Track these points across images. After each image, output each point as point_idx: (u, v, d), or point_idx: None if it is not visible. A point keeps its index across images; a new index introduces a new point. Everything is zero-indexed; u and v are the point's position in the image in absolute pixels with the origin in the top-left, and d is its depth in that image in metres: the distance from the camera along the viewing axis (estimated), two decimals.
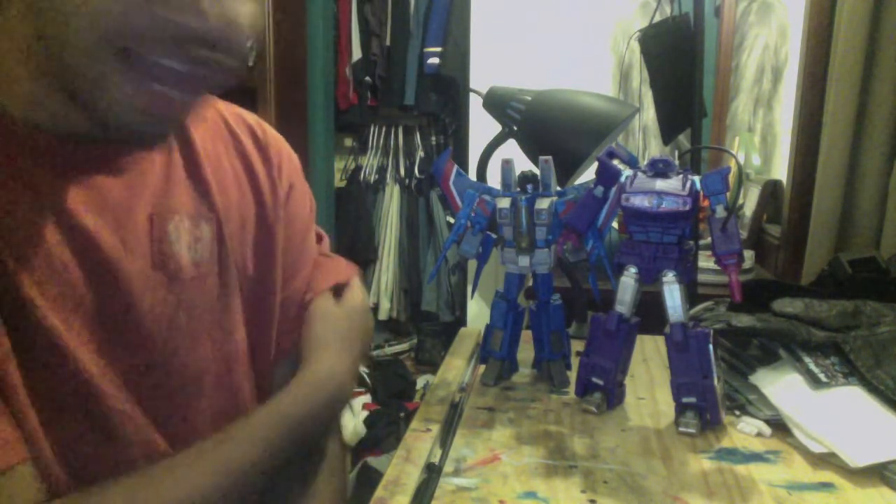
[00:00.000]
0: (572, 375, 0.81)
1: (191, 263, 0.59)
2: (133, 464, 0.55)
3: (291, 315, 0.71)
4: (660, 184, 0.70)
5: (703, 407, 0.70)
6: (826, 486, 0.61)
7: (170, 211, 0.59)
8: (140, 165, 0.58)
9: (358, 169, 2.93)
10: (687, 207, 0.69)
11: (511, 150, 0.88)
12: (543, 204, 0.79)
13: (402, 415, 2.31)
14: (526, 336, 0.86)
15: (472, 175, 0.88)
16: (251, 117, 0.72)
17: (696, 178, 0.70)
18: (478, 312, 2.67)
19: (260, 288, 0.67)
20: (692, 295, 0.95)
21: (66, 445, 0.52)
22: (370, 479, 1.84)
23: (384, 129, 2.90)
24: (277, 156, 0.72)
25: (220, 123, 0.68)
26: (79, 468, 0.52)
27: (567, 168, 0.88)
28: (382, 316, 2.90)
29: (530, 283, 0.90)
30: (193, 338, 0.59)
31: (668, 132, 1.50)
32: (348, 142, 3.01)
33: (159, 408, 0.57)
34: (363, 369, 2.63)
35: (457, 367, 0.89)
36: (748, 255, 1.81)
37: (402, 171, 2.91)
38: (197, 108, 0.54)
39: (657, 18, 1.54)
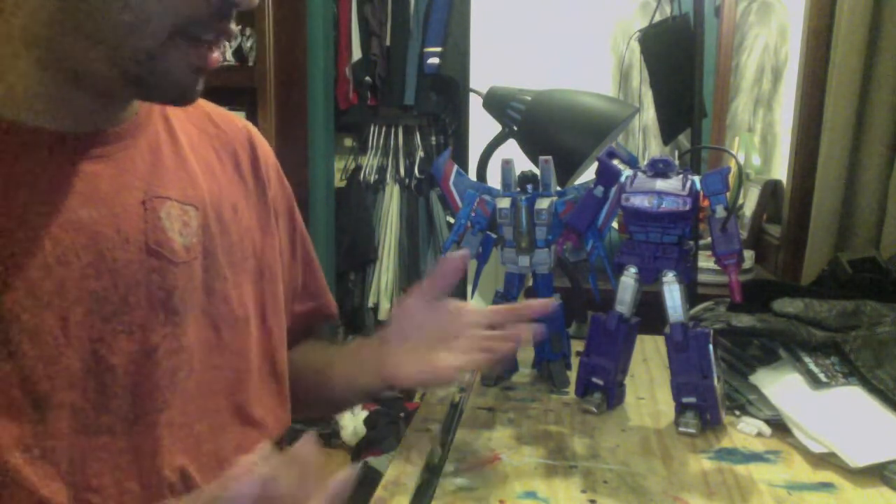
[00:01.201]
0: (572, 375, 0.81)
1: (182, 248, 0.60)
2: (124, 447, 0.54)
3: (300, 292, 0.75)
4: (660, 184, 0.70)
5: (703, 407, 0.70)
6: (826, 486, 0.61)
7: (160, 196, 0.59)
8: (128, 152, 0.58)
9: (358, 169, 2.93)
10: (687, 207, 0.69)
11: (511, 150, 0.88)
12: (543, 204, 0.79)
13: (401, 415, 2.31)
14: None
15: (472, 175, 0.88)
16: (235, 115, 0.74)
17: (696, 178, 0.70)
18: None
19: (263, 268, 0.69)
20: (692, 295, 0.94)
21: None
22: (370, 479, 1.84)
23: (384, 129, 2.90)
24: (265, 154, 0.74)
25: (203, 118, 0.70)
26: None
27: (567, 168, 0.88)
28: (382, 316, 2.89)
29: (530, 283, 0.90)
30: (177, 322, 0.60)
31: (668, 132, 1.50)
32: (348, 142, 3.01)
33: (149, 397, 0.57)
34: None
35: None
36: (748, 255, 1.81)
37: (402, 171, 2.90)
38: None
39: (657, 18, 1.55)
